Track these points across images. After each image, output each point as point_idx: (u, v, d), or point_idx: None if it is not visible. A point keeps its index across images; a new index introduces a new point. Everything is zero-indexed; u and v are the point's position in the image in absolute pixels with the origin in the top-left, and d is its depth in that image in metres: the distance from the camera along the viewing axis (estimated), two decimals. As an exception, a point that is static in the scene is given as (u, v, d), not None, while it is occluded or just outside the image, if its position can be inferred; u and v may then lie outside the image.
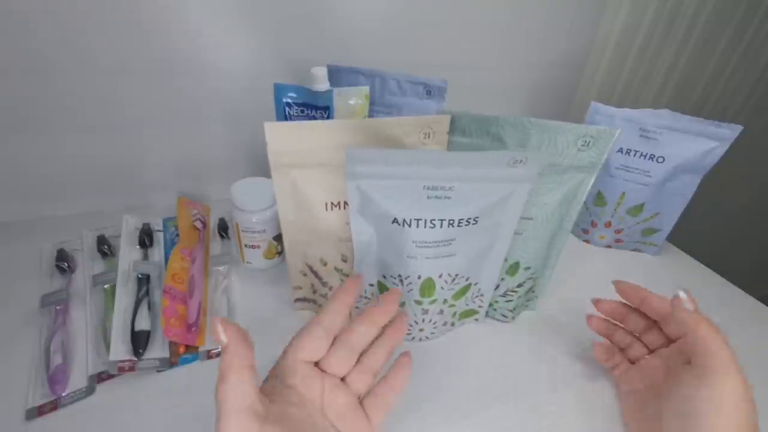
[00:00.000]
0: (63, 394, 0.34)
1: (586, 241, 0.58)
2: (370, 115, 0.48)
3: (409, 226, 0.32)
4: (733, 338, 0.42)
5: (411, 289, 0.36)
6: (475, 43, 0.62)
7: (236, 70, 0.53)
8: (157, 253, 0.47)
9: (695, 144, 0.47)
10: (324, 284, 0.40)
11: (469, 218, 0.32)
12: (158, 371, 0.36)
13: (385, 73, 0.49)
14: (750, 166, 1.02)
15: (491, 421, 0.34)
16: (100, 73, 0.48)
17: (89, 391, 0.34)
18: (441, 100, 0.48)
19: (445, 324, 0.41)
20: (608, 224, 0.55)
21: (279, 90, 0.45)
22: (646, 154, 0.49)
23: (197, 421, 0.32)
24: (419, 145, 0.35)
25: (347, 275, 0.39)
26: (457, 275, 0.36)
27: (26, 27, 0.44)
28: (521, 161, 0.30)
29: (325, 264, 0.38)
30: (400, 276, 0.36)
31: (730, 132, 0.46)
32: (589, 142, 0.33)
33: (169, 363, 0.37)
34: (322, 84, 0.45)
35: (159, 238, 0.48)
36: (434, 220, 0.32)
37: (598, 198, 0.54)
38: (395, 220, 0.32)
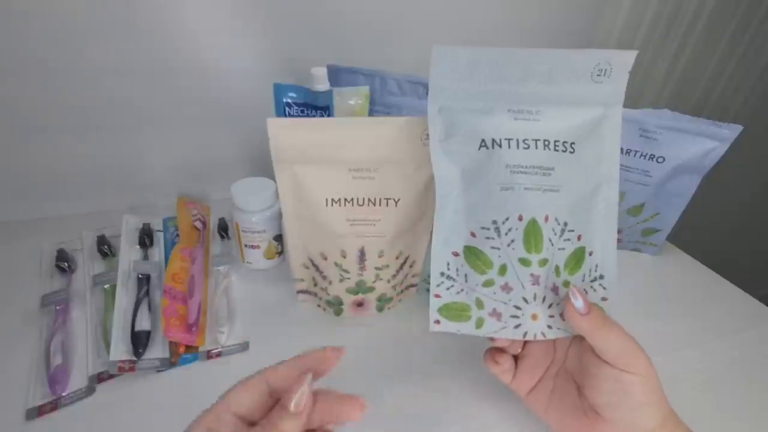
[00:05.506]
0: (63, 394, 0.34)
1: (586, 241, 0.58)
2: (370, 115, 0.48)
3: (500, 146, 0.29)
4: (733, 338, 0.43)
5: (513, 240, 0.29)
6: (475, 43, 0.62)
7: (236, 70, 0.53)
8: (157, 253, 0.47)
9: (695, 144, 0.47)
10: (324, 278, 0.40)
11: (565, 141, 0.30)
12: (158, 371, 0.36)
13: (385, 73, 0.49)
14: (750, 166, 1.02)
15: (491, 422, 0.34)
16: (99, 73, 0.48)
17: (89, 391, 0.34)
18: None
19: (562, 313, 0.30)
20: (608, 224, 0.55)
21: (279, 90, 0.45)
22: (646, 154, 0.49)
23: (197, 421, 0.33)
24: (420, 145, 0.35)
25: (346, 270, 0.39)
26: (566, 224, 0.30)
27: (25, 27, 0.44)
28: (605, 72, 0.28)
29: (325, 258, 0.38)
30: (495, 223, 0.29)
31: (730, 132, 0.45)
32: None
33: (169, 363, 0.37)
34: (322, 84, 0.45)
35: (159, 238, 0.48)
36: (527, 140, 0.29)
37: (598, 198, 0.54)
38: (483, 143, 0.29)
